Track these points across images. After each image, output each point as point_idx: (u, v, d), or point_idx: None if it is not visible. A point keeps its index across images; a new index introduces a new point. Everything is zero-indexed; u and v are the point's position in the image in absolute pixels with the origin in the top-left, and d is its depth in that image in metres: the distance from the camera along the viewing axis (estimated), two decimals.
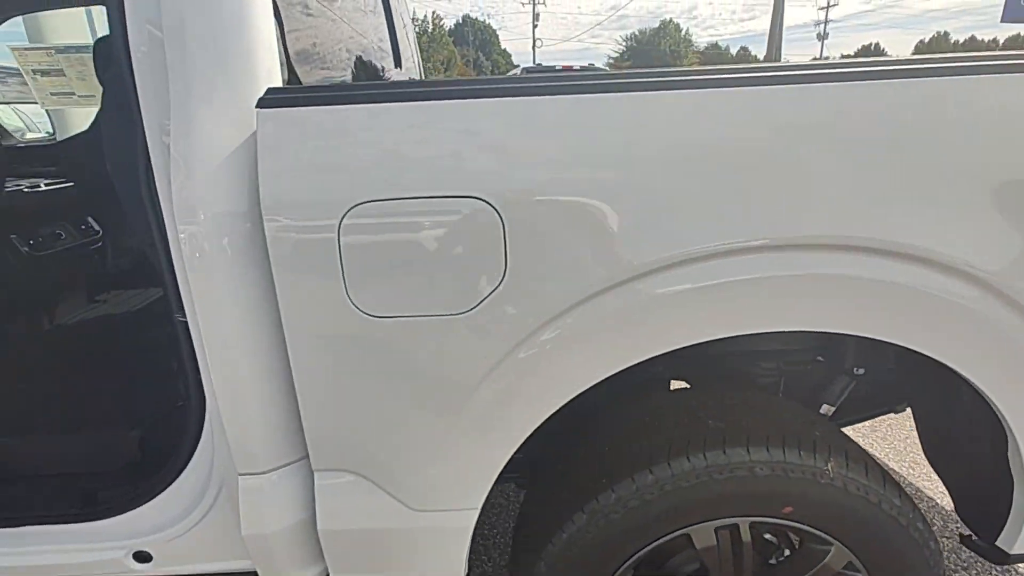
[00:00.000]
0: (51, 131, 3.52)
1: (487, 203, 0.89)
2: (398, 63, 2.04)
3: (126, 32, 0.94)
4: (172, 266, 1.05)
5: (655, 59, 58.81)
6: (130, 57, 0.95)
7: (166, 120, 0.95)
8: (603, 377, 0.98)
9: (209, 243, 0.91)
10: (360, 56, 1.60)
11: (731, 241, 0.89)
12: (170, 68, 0.90)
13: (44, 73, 2.73)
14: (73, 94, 2.77)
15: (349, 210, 0.89)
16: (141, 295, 2.33)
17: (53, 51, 2.74)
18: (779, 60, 22.93)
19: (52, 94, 2.77)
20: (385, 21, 1.94)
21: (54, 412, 1.60)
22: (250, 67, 0.93)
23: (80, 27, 3.92)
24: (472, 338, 0.95)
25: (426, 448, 1.03)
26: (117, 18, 0.95)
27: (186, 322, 1.08)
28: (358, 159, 0.90)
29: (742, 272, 0.90)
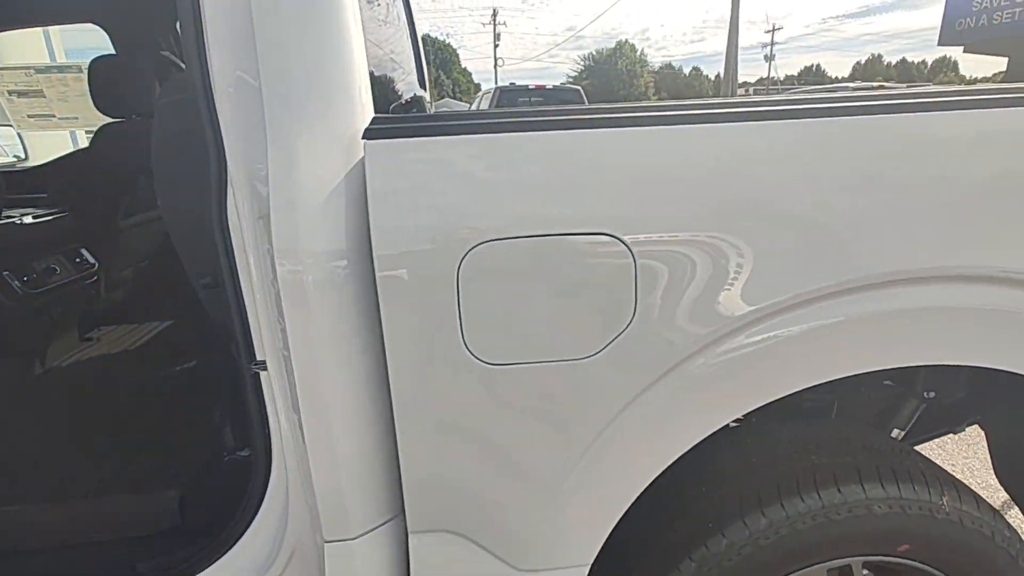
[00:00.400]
0: (22, 155, 3.28)
1: (618, 240, 0.83)
2: (422, 84, 1.97)
3: (205, 69, 0.86)
4: (244, 313, 0.95)
5: (613, 78, 60.27)
6: (209, 95, 0.86)
7: (253, 153, 0.86)
8: (733, 419, 0.92)
9: (312, 283, 0.82)
10: (404, 79, 1.53)
11: (895, 271, 0.85)
12: (267, 104, 0.82)
13: (21, 94, 2.54)
14: (52, 116, 2.58)
15: (471, 249, 0.82)
16: (188, 341, 2.15)
17: (32, 71, 2.55)
18: (736, 80, 23.84)
19: (29, 116, 2.57)
20: (411, 41, 1.88)
21: (87, 471, 1.43)
22: (350, 97, 0.86)
23: (37, 48, 3.70)
24: (595, 384, 0.88)
25: (538, 502, 0.95)
26: (195, 57, 0.86)
27: (258, 371, 0.97)
28: (478, 194, 0.82)
29: (906, 303, 0.86)
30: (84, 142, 3.45)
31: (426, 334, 0.85)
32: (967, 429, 1.55)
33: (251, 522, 1.07)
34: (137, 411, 1.71)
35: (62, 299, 1.96)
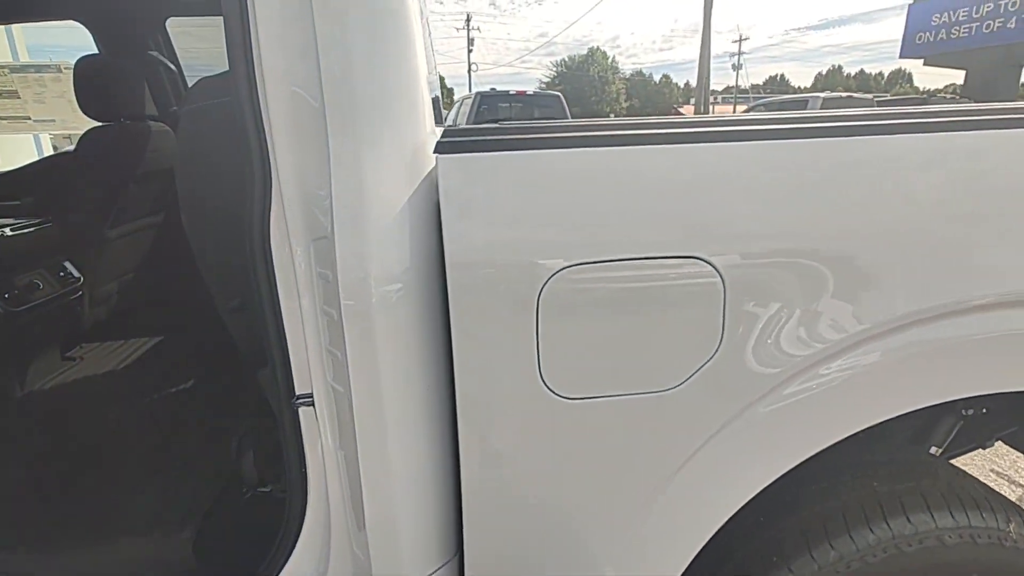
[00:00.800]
0: None
1: (708, 263, 0.78)
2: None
3: (252, 78, 0.77)
4: (284, 343, 0.86)
5: (585, 84, 60.87)
6: (256, 106, 0.78)
7: (307, 170, 0.78)
8: (823, 448, 0.88)
9: (380, 310, 0.74)
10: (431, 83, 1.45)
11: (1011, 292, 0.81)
12: (330, 117, 0.74)
13: None
14: (28, 118, 2.40)
15: (555, 274, 0.76)
16: (179, 358, 2.01)
17: (7, 70, 2.37)
18: (708, 88, 24.27)
19: (2, 118, 2.39)
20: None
21: (79, 510, 1.30)
22: (416, 108, 0.78)
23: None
24: (677, 417, 0.83)
25: (612, 547, 0.88)
26: (244, 76, 0.78)
27: (299, 405, 0.89)
28: (564, 213, 0.76)
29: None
30: (48, 148, 3.25)
31: (500, 365, 0.79)
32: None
33: (283, 565, 0.98)
34: (134, 439, 1.59)
35: (44, 316, 1.82)
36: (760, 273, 0.79)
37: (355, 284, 0.73)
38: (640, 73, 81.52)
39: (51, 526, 1.27)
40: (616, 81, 66.31)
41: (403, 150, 0.77)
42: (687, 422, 0.83)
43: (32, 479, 1.43)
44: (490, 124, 1.23)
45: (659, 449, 0.84)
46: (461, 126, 0.97)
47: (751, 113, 0.86)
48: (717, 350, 0.81)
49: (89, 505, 1.33)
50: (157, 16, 2.28)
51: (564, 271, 0.76)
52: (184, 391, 1.91)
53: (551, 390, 0.80)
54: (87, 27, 2.19)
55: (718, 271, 0.78)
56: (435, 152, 0.76)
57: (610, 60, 67.00)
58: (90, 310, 2.05)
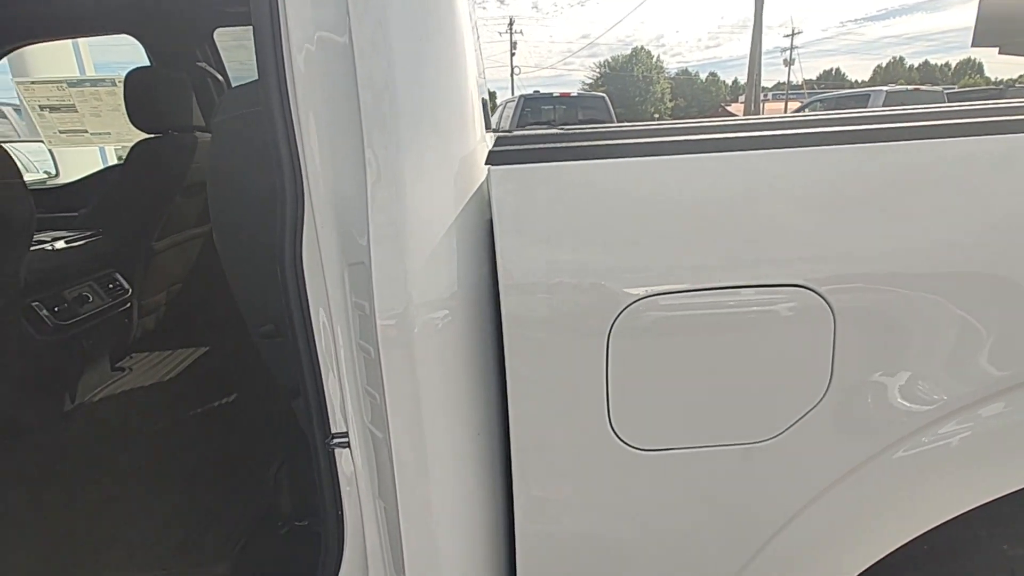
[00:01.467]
0: (52, 171, 3.18)
1: (815, 292, 0.64)
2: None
3: (284, 87, 0.69)
4: (318, 378, 0.78)
5: (630, 85, 59.94)
6: (288, 116, 0.70)
7: (343, 186, 0.69)
8: (945, 520, 0.72)
9: (422, 339, 0.64)
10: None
11: None
12: (368, 130, 0.65)
13: (53, 109, 2.42)
14: (85, 131, 2.46)
15: (628, 306, 0.64)
16: (225, 369, 1.99)
17: (65, 84, 2.44)
18: (759, 84, 23.37)
19: (61, 132, 2.46)
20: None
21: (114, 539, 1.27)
22: (465, 117, 0.68)
23: (67, 62, 3.60)
24: (774, 473, 0.69)
25: None
26: (275, 90, 0.69)
27: (335, 446, 0.80)
28: (641, 234, 0.64)
29: None
30: (113, 158, 3.35)
31: (562, 409, 0.67)
32: None
33: None
34: (176, 457, 1.55)
35: (94, 328, 1.82)
36: (879, 300, 0.65)
37: (394, 311, 0.64)
38: (686, 72, 79.75)
39: (89, 549, 1.24)
40: (661, 80, 65.05)
41: (451, 161, 0.67)
42: (789, 476, 0.70)
43: (76, 495, 1.41)
44: (546, 129, 1.12)
45: (749, 511, 0.71)
46: (515, 132, 0.86)
47: (842, 112, 0.72)
48: (825, 393, 0.67)
49: (127, 530, 1.29)
50: (205, 27, 2.29)
51: (641, 301, 0.64)
52: (227, 404, 1.89)
53: (621, 439, 0.68)
54: (138, 39, 2.21)
55: (826, 301, 0.64)
56: (487, 163, 0.65)
57: (655, 59, 65.82)
58: (139, 321, 2.06)
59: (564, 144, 0.65)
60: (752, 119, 0.72)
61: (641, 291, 0.64)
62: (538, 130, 0.99)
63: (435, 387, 0.67)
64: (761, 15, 21.27)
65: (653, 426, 0.68)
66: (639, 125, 0.73)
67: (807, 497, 0.70)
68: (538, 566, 0.75)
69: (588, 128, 0.75)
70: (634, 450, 0.68)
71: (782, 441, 0.68)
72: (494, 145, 0.67)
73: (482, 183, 0.69)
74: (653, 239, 0.64)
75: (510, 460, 0.73)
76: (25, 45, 2.21)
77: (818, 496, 0.70)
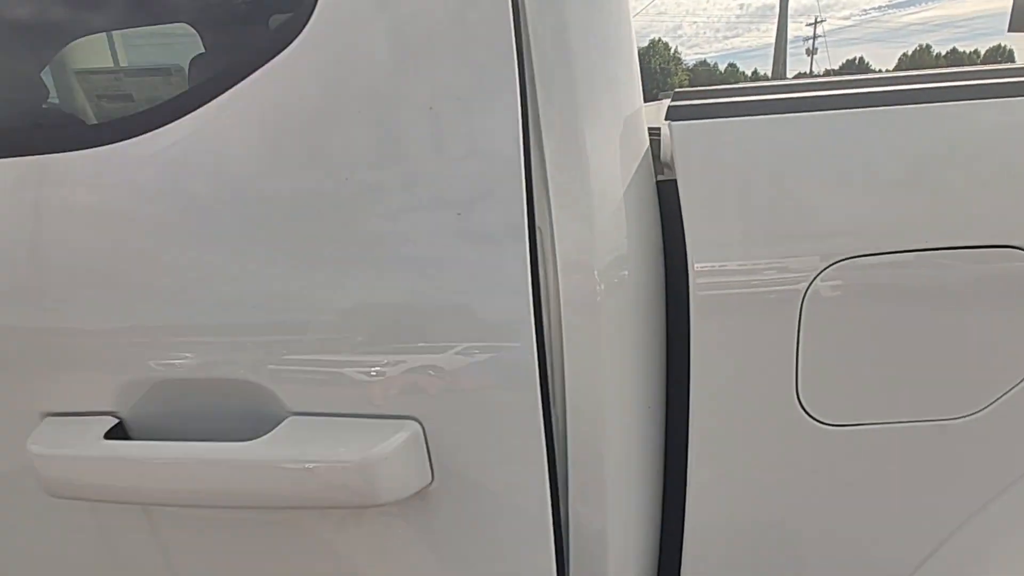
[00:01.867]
0: None
1: None
2: None
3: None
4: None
5: (647, 77, 59.34)
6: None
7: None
8: None
9: (602, 302, 0.60)
10: None
11: None
12: (541, 86, 0.60)
13: (109, 99, 2.42)
14: None
15: (825, 268, 0.59)
16: None
17: (122, 74, 2.44)
18: (784, 76, 22.95)
19: None
20: None
21: None
22: (633, 71, 0.64)
23: (103, 58, 3.62)
24: (971, 452, 0.64)
25: None
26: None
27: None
28: (838, 192, 0.59)
29: None
30: None
31: (746, 384, 0.63)
32: None
33: None
34: None
35: None
36: None
37: (575, 270, 0.59)
38: (704, 63, 78.69)
39: None
40: (679, 72, 64.25)
41: (624, 119, 0.63)
42: (985, 459, 0.65)
43: None
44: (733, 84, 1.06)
45: (942, 492, 0.66)
46: (690, 88, 0.82)
47: None
48: None
49: None
50: (261, 18, 2.28)
51: (839, 264, 0.59)
52: None
53: (809, 414, 0.63)
54: (194, 28, 2.21)
55: None
56: (667, 119, 0.61)
57: (672, 51, 64.97)
58: None
59: (759, 98, 0.61)
60: (940, 71, 0.66)
61: (839, 254, 0.59)
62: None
63: (613, 353, 0.62)
64: (787, 3, 20.85)
65: (845, 400, 0.63)
66: (823, 79, 0.68)
67: (1006, 480, 0.65)
68: (706, 556, 0.70)
69: (779, 82, 0.70)
70: (823, 426, 0.64)
71: (984, 417, 0.63)
72: (673, 100, 0.63)
73: (648, 143, 0.65)
74: (853, 199, 0.59)
75: (668, 441, 0.69)
76: (84, 36, 2.22)
77: (1018, 479, 0.65)
